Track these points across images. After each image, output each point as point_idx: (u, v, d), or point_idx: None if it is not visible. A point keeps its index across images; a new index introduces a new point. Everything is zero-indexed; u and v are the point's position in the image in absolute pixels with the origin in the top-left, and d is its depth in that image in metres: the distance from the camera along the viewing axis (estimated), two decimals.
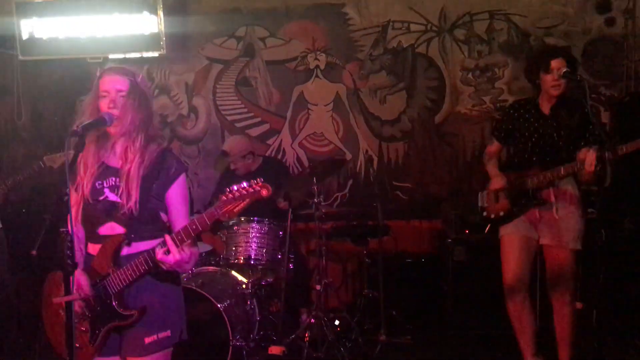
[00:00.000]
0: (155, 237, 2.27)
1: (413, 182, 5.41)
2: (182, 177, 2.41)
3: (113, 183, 2.30)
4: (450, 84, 5.33)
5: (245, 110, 5.55)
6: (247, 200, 2.12)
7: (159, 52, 5.18)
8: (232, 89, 5.54)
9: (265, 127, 5.51)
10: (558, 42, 5.09)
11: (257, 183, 2.13)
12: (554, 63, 3.39)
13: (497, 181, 3.64)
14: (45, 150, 4.20)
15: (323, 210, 4.26)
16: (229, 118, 5.55)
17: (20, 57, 5.22)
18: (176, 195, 2.39)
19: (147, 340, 2.28)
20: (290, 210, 4.18)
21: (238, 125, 5.53)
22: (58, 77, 5.55)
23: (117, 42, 5.13)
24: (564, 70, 3.27)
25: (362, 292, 4.69)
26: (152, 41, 5.12)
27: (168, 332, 2.33)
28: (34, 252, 1.82)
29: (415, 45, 5.34)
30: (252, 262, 4.17)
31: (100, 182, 2.32)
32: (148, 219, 2.34)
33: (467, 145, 5.32)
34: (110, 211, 2.29)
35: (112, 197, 2.29)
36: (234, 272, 4.19)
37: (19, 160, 5.38)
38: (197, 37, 5.50)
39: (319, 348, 4.12)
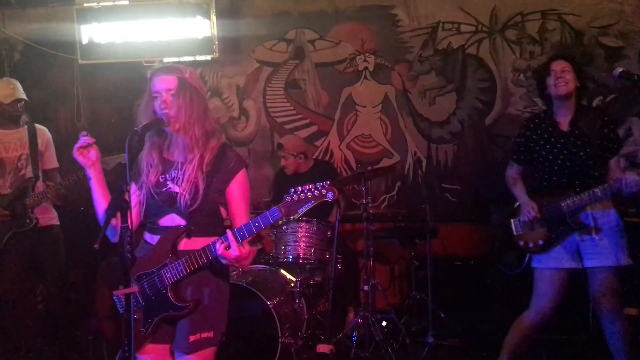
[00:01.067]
0: (214, 233, 2.30)
1: (463, 185, 5.35)
2: (242, 172, 2.43)
3: (175, 175, 2.36)
4: (502, 85, 5.26)
5: (294, 112, 5.62)
6: (313, 202, 2.12)
7: (212, 56, 5.31)
8: (282, 91, 5.62)
9: (314, 128, 5.56)
10: (614, 42, 4.96)
11: (324, 186, 2.12)
12: (554, 65, 3.34)
13: (530, 210, 3.44)
14: (102, 150, 4.35)
15: (371, 212, 4.27)
16: (278, 120, 5.63)
17: (80, 61, 5.45)
18: (236, 190, 2.41)
19: (191, 338, 2.32)
20: (338, 211, 4.21)
21: (287, 127, 5.60)
22: (115, 80, 5.74)
23: (171, 46, 5.29)
24: (620, 70, 3.14)
25: (410, 294, 4.67)
26: (205, 45, 5.26)
27: (211, 333, 2.36)
28: (96, 246, 1.91)
29: (466, 46, 5.29)
30: (300, 261, 4.22)
31: (164, 175, 2.39)
32: (208, 213, 2.38)
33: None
34: (171, 203, 2.34)
35: (174, 188, 2.35)
36: (282, 271, 4.25)
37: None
38: (248, 41, 5.60)
39: (366, 348, 4.13)
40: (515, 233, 3.58)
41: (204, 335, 2.33)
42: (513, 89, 5.24)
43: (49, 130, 4.50)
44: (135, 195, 2.41)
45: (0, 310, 4.43)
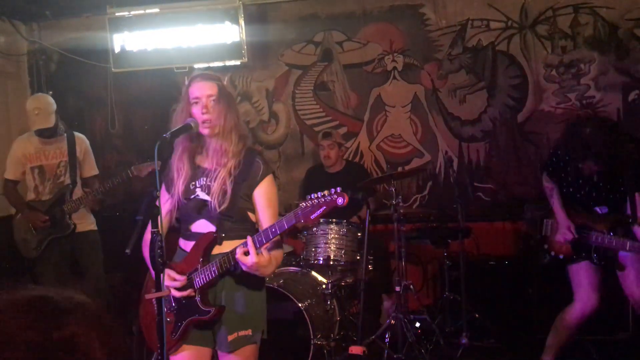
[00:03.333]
0: (244, 237, 2.34)
1: (495, 183, 5.29)
2: (269, 177, 2.48)
3: (204, 182, 2.41)
4: (533, 81, 5.18)
5: (324, 114, 5.63)
6: (324, 208, 2.19)
7: (241, 60, 5.36)
8: (311, 94, 5.64)
9: (343, 130, 5.56)
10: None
11: (335, 192, 2.20)
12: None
13: (567, 232, 3.56)
14: (136, 156, 4.44)
15: (402, 212, 4.26)
16: (307, 122, 5.65)
17: (113, 70, 5.56)
18: (262, 195, 2.45)
19: (230, 338, 2.40)
20: (368, 212, 4.20)
21: (316, 129, 5.61)
22: (147, 87, 5.85)
23: (201, 52, 5.36)
24: None
25: (443, 295, 4.64)
26: (234, 50, 5.31)
27: (249, 331, 2.43)
28: (127, 252, 1.95)
29: (496, 43, 5.22)
30: (331, 263, 4.23)
31: (193, 182, 2.44)
32: (238, 219, 2.43)
33: (551, 145, 5.13)
34: (201, 209, 2.40)
35: (202, 195, 2.41)
36: (314, 273, 4.27)
37: (112, 166, 5.72)
38: (276, 44, 5.64)
39: (399, 349, 4.11)
40: (544, 233, 3.71)
41: (242, 333, 2.41)
42: (545, 85, 5.15)
43: (85, 137, 4.61)
44: (168, 203, 2.46)
45: None
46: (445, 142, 5.38)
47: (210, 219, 2.40)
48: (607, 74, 4.93)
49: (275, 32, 5.59)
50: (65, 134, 4.44)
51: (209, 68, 5.51)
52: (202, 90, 2.37)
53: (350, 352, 3.78)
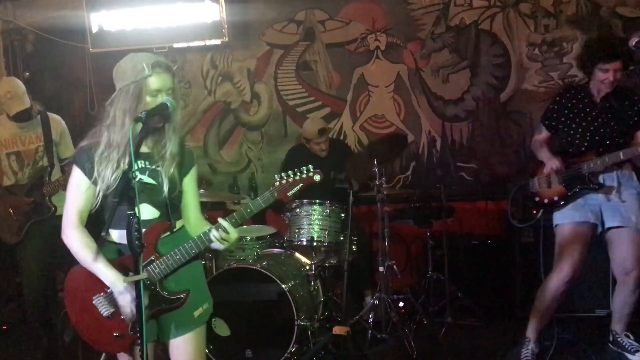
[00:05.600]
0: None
1: (478, 163, 5.29)
2: (195, 167, 2.51)
3: (144, 166, 2.36)
4: (516, 60, 5.16)
5: (306, 94, 5.58)
6: (301, 184, 2.31)
7: (222, 40, 5.28)
8: (293, 74, 5.58)
9: (326, 110, 5.52)
10: (631, 12, 4.83)
11: (309, 170, 2.31)
12: (611, 65, 3.38)
13: (554, 162, 3.58)
14: None
15: (385, 192, 4.25)
16: (290, 103, 5.60)
17: (91, 50, 5.46)
18: (191, 183, 2.48)
19: (196, 313, 2.41)
20: (351, 192, 4.19)
21: (299, 109, 5.57)
22: None
23: (181, 32, 5.28)
24: (636, 40, 3.14)
25: (427, 274, 4.66)
26: (214, 29, 5.23)
27: (207, 303, 2.48)
28: (103, 234, 1.92)
29: (479, 22, 5.19)
30: (315, 244, 4.22)
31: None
32: (177, 204, 2.44)
33: (534, 124, 5.12)
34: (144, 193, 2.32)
35: (146, 179, 2.34)
36: (297, 254, 4.26)
37: None
38: (257, 23, 5.55)
39: (383, 329, 4.14)
40: (532, 191, 3.72)
41: (205, 306, 2.46)
42: (528, 64, 5.14)
43: (64, 119, 4.52)
44: (91, 189, 2.35)
45: (24, 300, 4.51)
46: (429, 122, 5.36)
47: (154, 204, 2.35)
48: None
49: (256, 11, 5.50)
50: (39, 116, 4.35)
51: (188, 48, 5.46)
52: (163, 83, 2.30)
53: (334, 332, 3.78)
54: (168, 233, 2.38)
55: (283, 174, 2.34)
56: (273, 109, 5.62)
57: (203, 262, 4.08)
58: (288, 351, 3.71)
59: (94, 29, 5.37)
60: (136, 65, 2.29)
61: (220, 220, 2.30)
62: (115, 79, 2.35)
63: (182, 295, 2.33)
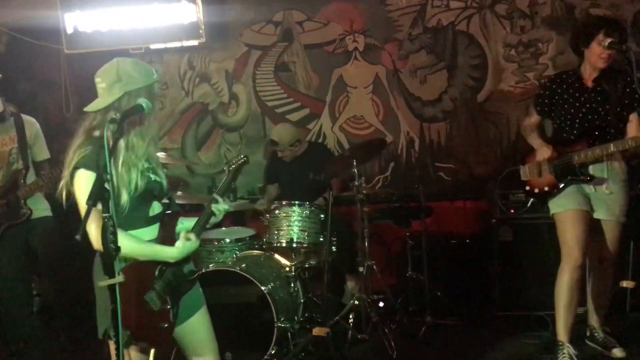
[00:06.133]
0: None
1: (456, 163, 5.33)
2: None
3: (148, 166, 2.45)
4: (493, 61, 5.21)
5: (285, 95, 5.57)
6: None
7: (199, 41, 5.25)
8: (272, 75, 5.56)
9: (305, 111, 5.52)
10: (605, 14, 4.90)
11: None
12: (607, 39, 3.30)
13: (545, 151, 3.54)
14: None
15: (364, 192, 4.25)
16: (269, 104, 5.58)
17: (66, 51, 5.38)
18: None
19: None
20: (331, 193, 4.19)
21: (278, 110, 5.55)
22: None
23: (157, 32, 5.23)
24: (609, 40, 3.17)
25: (406, 274, 4.67)
26: (191, 30, 5.20)
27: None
28: (78, 237, 1.88)
29: (456, 23, 5.23)
30: (294, 245, 4.20)
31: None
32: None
33: (511, 124, 5.20)
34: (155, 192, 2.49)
35: (154, 177, 2.46)
36: (277, 256, 4.24)
37: (67, 151, 5.54)
38: (235, 24, 5.52)
39: (363, 329, 4.13)
40: (523, 178, 3.70)
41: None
42: (504, 64, 5.19)
43: (38, 122, 4.45)
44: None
45: None
46: (407, 122, 5.38)
47: (159, 199, 2.47)
48: (565, 54, 4.97)
49: (233, 12, 5.48)
50: (13, 118, 4.27)
51: (165, 49, 5.41)
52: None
53: (314, 333, 3.78)
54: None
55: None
56: (251, 110, 5.60)
57: None
58: (268, 353, 3.69)
59: (69, 30, 5.29)
60: (143, 69, 2.36)
61: (214, 194, 2.54)
62: (114, 83, 2.34)
63: (196, 272, 2.53)
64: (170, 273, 2.40)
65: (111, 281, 1.93)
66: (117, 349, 1.92)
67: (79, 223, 2.07)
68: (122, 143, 2.28)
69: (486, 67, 5.22)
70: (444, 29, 5.25)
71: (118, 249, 1.94)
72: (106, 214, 1.95)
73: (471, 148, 5.30)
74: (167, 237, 2.43)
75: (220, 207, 2.53)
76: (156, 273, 2.37)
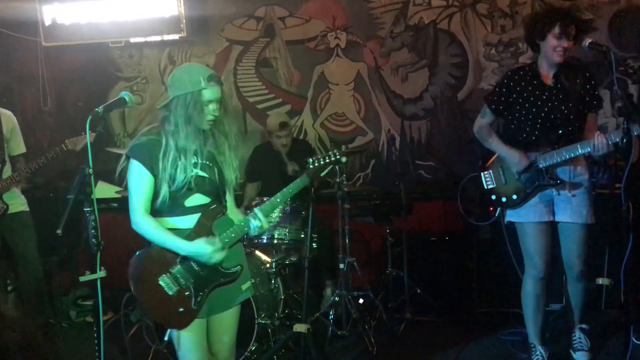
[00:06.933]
0: None
1: (436, 161, 5.36)
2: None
3: (196, 161, 2.58)
4: (473, 59, 5.25)
5: (267, 91, 5.55)
6: (330, 166, 2.74)
7: (180, 35, 5.21)
8: (253, 70, 5.54)
9: (287, 108, 5.51)
10: (585, 15, 4.96)
11: (335, 154, 2.73)
12: (567, 30, 3.23)
13: (522, 158, 3.35)
14: (70, 134, 4.28)
15: (345, 189, 4.26)
16: (250, 100, 5.56)
17: (44, 44, 5.30)
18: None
19: (244, 287, 2.69)
20: (312, 190, 4.18)
21: (259, 106, 5.53)
22: (81, 62, 5.61)
23: (137, 26, 5.18)
24: (590, 41, 3.17)
25: (386, 271, 4.69)
26: (172, 24, 5.16)
27: (250, 282, 2.77)
28: (59, 232, 1.86)
29: (437, 21, 5.26)
30: (275, 242, 4.19)
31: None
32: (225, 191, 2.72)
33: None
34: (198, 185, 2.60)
35: (201, 173, 2.58)
36: (258, 252, 4.23)
37: (45, 145, 5.47)
38: (217, 19, 5.50)
39: (343, 326, 4.15)
40: (486, 187, 3.57)
41: (250, 282, 2.78)
42: (485, 63, 5.23)
43: (15, 115, 4.37)
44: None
45: None
46: (388, 120, 5.40)
47: (206, 193, 2.58)
48: None
49: (215, 6, 5.44)
50: None
51: (145, 43, 5.35)
52: (216, 96, 2.52)
53: (294, 330, 3.77)
54: (221, 215, 2.61)
55: (314, 158, 2.73)
56: (233, 106, 5.57)
57: None
58: (248, 350, 3.68)
59: (47, 22, 5.21)
60: (193, 77, 2.47)
61: (255, 210, 2.62)
62: (169, 86, 2.53)
63: (237, 269, 2.60)
64: (195, 262, 2.48)
65: (94, 276, 1.91)
66: (98, 342, 1.89)
67: (59, 218, 2.05)
68: (171, 142, 2.46)
69: (467, 65, 5.26)
70: (425, 27, 5.27)
71: (100, 244, 1.92)
72: (88, 209, 1.92)
73: (451, 146, 5.34)
74: (203, 230, 2.51)
75: (255, 223, 2.61)
76: (178, 259, 2.48)
